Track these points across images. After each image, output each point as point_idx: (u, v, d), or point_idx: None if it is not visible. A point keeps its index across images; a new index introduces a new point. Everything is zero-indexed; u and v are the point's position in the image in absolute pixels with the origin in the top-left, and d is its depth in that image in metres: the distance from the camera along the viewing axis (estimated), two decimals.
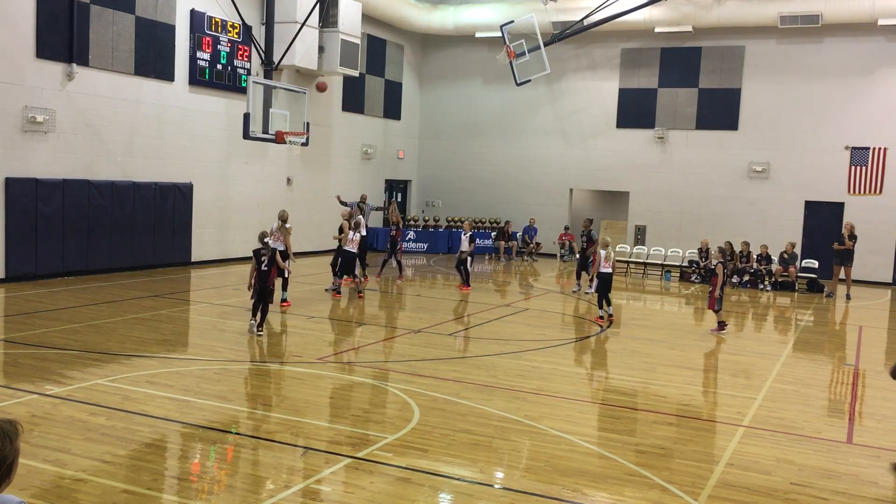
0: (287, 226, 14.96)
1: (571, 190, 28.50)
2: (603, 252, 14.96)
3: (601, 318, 15.05)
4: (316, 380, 10.01)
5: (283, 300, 15.13)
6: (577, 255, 18.88)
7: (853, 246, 20.69)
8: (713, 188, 25.92)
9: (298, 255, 23.97)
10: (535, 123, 28.41)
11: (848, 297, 20.48)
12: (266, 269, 12.49)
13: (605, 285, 14.90)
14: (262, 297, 12.46)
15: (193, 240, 20.46)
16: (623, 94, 27.10)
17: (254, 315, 12.52)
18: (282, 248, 14.32)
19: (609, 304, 15.05)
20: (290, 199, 23.84)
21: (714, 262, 14.50)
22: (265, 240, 12.80)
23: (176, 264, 19.92)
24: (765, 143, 25.23)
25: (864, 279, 23.92)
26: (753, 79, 25.29)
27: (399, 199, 30.24)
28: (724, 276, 14.14)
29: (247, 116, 18.23)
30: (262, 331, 12.44)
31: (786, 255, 21.68)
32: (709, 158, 25.96)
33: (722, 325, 14.39)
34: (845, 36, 23.96)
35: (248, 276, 12.91)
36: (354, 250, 16.36)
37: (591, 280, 17.72)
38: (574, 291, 18.98)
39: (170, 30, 19.33)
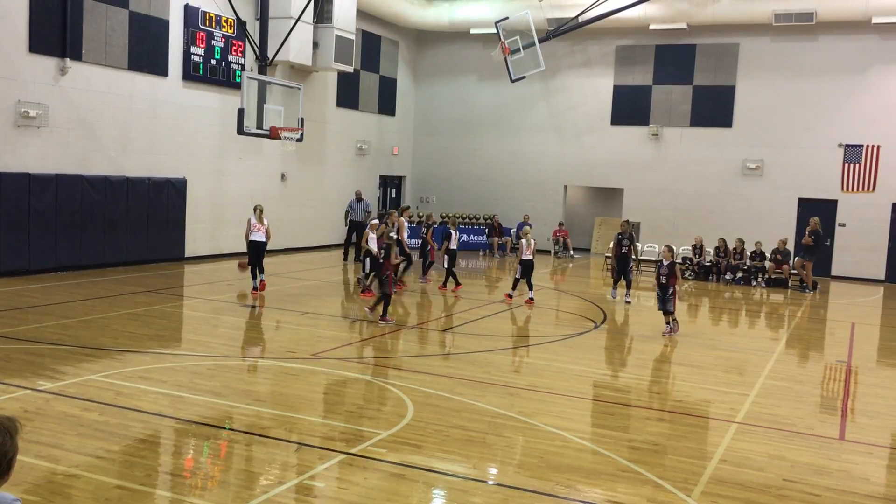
0: (265, 219, 16.07)
1: (566, 186, 28.51)
2: (524, 240, 16.47)
3: (509, 296, 16.55)
4: (310, 375, 10.00)
5: (255, 287, 15.89)
6: (614, 261, 17.42)
7: (812, 242, 20.88)
8: (707, 185, 25.97)
9: (294, 250, 23.99)
10: (530, 120, 28.40)
11: (812, 288, 20.73)
12: (383, 261, 13.59)
13: (527, 271, 16.32)
14: (381, 286, 13.66)
15: (187, 235, 20.40)
16: (617, 90, 27.11)
17: (383, 307, 13.45)
18: (263, 239, 15.91)
19: (531, 288, 16.48)
20: (285, 194, 23.80)
21: (667, 261, 13.75)
22: (391, 234, 14.13)
23: (169, 260, 19.87)
24: (759, 140, 25.28)
25: (856, 276, 24.04)
26: (748, 76, 25.33)
27: (393, 196, 30.21)
28: (680, 274, 13.81)
29: (241, 112, 18.18)
30: (387, 319, 13.33)
31: (779, 256, 21.71)
32: (703, 155, 26.00)
33: (675, 325, 13.76)
34: (839, 34, 24.01)
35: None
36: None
37: (628, 287, 17.31)
38: (612, 299, 17.41)
39: (164, 24, 19.25)
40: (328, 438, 7.54)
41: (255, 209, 16.15)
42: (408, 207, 18.27)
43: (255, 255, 15.97)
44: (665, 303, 13.60)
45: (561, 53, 27.15)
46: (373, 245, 16.05)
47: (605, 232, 28.01)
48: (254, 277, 15.95)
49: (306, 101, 21.62)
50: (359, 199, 22.70)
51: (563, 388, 9.89)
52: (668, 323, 13.69)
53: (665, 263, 13.76)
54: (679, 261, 23.15)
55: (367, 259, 16.35)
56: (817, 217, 21.74)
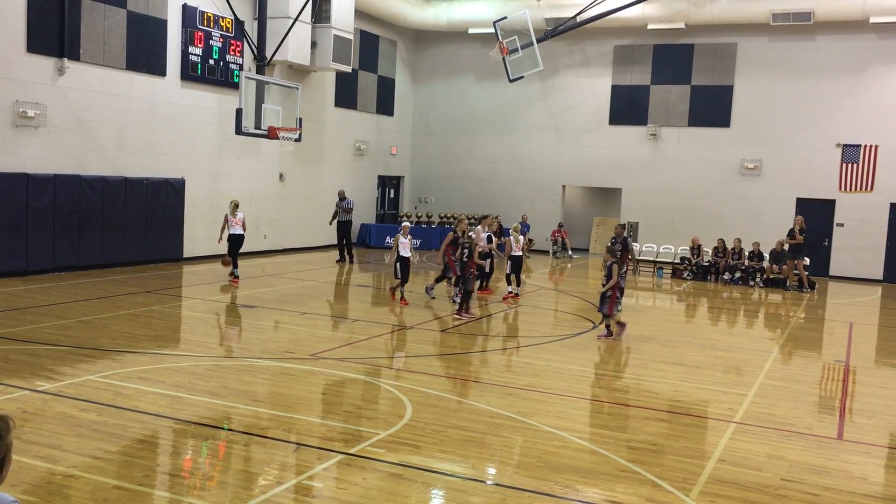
0: (240, 213, 17.63)
1: (564, 186, 28.52)
2: (512, 237, 17.10)
3: (512, 294, 16.88)
4: (308, 376, 9.99)
5: (235, 276, 17.44)
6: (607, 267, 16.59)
7: (804, 240, 20.83)
8: (705, 185, 25.98)
9: (292, 250, 23.98)
10: (528, 120, 28.41)
11: (810, 287, 20.72)
12: (467, 259, 14.58)
13: (516, 267, 16.93)
14: (464, 283, 14.61)
15: (185, 235, 20.39)
16: (616, 90, 27.12)
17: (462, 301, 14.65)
18: (241, 232, 17.41)
19: (518, 283, 17.12)
20: (283, 195, 23.79)
21: (608, 261, 13.03)
22: (470, 234, 14.80)
23: (167, 260, 19.85)
24: (757, 140, 25.30)
25: (854, 276, 24.07)
26: (746, 76, 25.35)
27: (392, 196, 30.20)
28: (618, 276, 12.92)
29: (239, 112, 18.17)
30: (469, 313, 14.48)
31: (774, 262, 21.64)
32: (701, 155, 26.02)
33: (611, 331, 13.07)
34: (837, 33, 24.03)
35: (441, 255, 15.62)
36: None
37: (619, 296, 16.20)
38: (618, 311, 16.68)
39: (162, 24, 19.24)
40: (327, 439, 7.54)
41: (230, 204, 17.55)
42: (487, 216, 17.96)
43: (235, 247, 17.43)
44: (601, 304, 13.12)
45: (559, 53, 27.16)
46: (404, 251, 15.51)
47: (603, 232, 28.01)
48: (235, 267, 17.49)
49: (304, 101, 21.61)
50: (342, 198, 22.65)
51: (561, 388, 9.89)
52: (606, 326, 13.11)
53: (607, 264, 13.15)
54: (677, 261, 23.28)
55: (398, 264, 15.58)
56: (802, 216, 21.84)
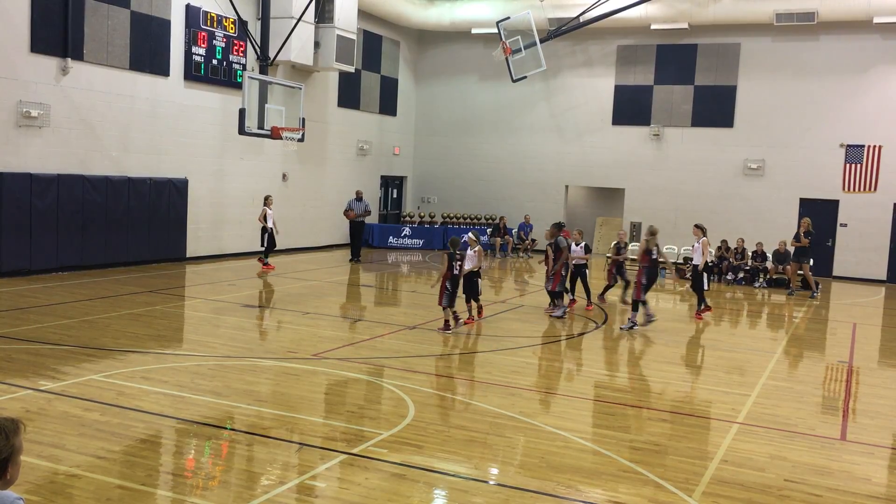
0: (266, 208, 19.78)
1: (567, 187, 28.50)
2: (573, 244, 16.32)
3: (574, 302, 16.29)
4: (311, 376, 10.00)
5: (266, 263, 19.64)
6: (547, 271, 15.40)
7: (809, 243, 20.20)
8: (708, 185, 25.96)
9: (296, 250, 24.00)
10: (531, 120, 28.40)
11: (814, 293, 19.97)
12: (555, 259, 15.03)
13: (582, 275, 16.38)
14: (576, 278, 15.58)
15: (188, 235, 20.41)
16: (619, 90, 27.10)
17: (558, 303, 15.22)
18: (262, 225, 19.74)
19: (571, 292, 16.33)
20: (286, 194, 23.80)
21: (446, 257, 12.96)
22: (559, 238, 15.15)
23: (171, 260, 19.88)
24: (760, 140, 25.28)
25: (858, 276, 24.03)
26: (749, 76, 25.32)
27: (395, 196, 30.19)
28: (453, 270, 12.76)
29: (242, 112, 18.20)
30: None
31: (778, 262, 21.55)
32: (704, 155, 25.99)
33: (448, 325, 13.00)
34: (841, 33, 24.00)
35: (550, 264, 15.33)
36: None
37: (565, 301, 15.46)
38: (556, 316, 14.90)
39: (165, 24, 19.26)
40: (329, 438, 7.54)
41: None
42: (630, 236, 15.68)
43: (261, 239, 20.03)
44: (440, 297, 12.97)
45: (562, 53, 27.15)
46: (469, 264, 13.57)
47: (606, 232, 28.01)
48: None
49: (307, 101, 21.64)
50: (359, 198, 22.68)
51: (564, 389, 9.88)
52: (445, 320, 13.04)
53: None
54: (680, 261, 23.23)
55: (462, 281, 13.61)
56: (808, 218, 21.52)
